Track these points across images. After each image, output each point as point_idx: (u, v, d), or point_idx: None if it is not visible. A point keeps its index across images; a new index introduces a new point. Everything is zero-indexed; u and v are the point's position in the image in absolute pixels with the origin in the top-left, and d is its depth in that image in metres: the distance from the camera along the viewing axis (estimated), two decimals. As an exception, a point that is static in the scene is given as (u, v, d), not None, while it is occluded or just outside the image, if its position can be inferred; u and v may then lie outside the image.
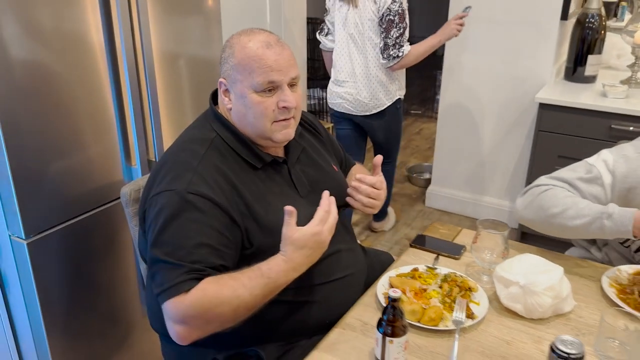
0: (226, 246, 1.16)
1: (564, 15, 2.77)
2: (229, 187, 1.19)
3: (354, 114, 2.69)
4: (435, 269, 1.42)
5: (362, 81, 2.59)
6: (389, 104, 2.65)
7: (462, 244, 1.57)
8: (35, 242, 1.53)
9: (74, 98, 1.56)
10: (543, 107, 2.67)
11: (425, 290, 1.32)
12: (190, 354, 1.31)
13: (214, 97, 1.35)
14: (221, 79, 1.27)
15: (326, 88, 4.50)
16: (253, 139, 1.27)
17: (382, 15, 2.44)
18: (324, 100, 4.77)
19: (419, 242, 1.60)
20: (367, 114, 2.66)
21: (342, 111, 2.71)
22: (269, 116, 1.22)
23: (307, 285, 1.24)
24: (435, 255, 1.53)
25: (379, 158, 1.41)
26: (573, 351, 1.04)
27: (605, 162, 1.48)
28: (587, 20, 2.75)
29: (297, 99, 1.24)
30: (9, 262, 1.57)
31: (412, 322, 1.22)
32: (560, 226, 1.43)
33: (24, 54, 1.41)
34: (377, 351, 1.13)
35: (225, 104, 1.28)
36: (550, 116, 2.66)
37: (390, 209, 3.29)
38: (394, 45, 2.47)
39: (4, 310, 1.65)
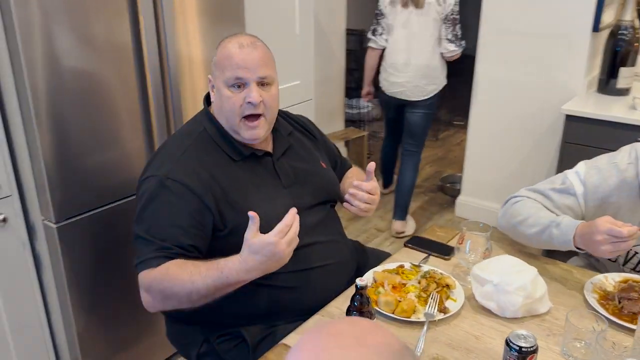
0: (196, 228, 1.30)
1: (596, 27, 2.75)
2: (207, 175, 1.33)
3: (410, 99, 3.10)
4: (420, 266, 1.48)
5: (422, 70, 3.03)
6: (440, 88, 3.11)
7: (455, 246, 1.62)
8: (64, 226, 1.71)
9: (108, 102, 1.73)
10: (569, 118, 2.65)
11: (404, 284, 1.39)
12: (186, 332, 1.45)
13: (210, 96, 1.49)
14: (209, 76, 1.42)
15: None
16: (232, 134, 1.40)
17: (447, 14, 2.93)
18: (364, 110, 4.84)
19: (413, 242, 1.67)
20: (424, 97, 3.08)
21: (401, 98, 3.13)
22: (236, 111, 1.35)
23: (286, 272, 1.34)
24: (426, 255, 1.59)
25: (372, 165, 1.49)
26: (526, 344, 1.08)
27: (577, 173, 1.52)
28: (620, 32, 2.72)
29: (266, 97, 1.35)
30: (42, 244, 1.76)
31: (386, 313, 1.30)
32: (522, 234, 1.50)
33: (73, 61, 1.61)
34: (346, 336, 1.22)
35: (212, 99, 1.43)
36: (576, 128, 2.64)
37: (409, 217, 3.40)
38: (460, 37, 2.99)
39: (38, 287, 1.83)
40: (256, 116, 1.36)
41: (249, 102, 1.33)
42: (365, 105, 5.25)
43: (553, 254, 1.67)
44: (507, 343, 1.10)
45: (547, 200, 1.57)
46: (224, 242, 1.30)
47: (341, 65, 4.07)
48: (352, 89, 4.64)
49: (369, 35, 3.13)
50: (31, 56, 1.52)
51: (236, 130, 1.38)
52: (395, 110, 3.27)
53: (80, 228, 1.75)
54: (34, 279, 1.82)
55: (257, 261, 1.17)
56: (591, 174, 1.51)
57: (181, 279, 1.21)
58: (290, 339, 1.27)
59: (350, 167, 1.74)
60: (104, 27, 1.68)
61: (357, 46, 4.45)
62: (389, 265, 1.51)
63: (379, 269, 1.48)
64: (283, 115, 1.59)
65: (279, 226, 1.18)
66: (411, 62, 3.02)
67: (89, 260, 1.81)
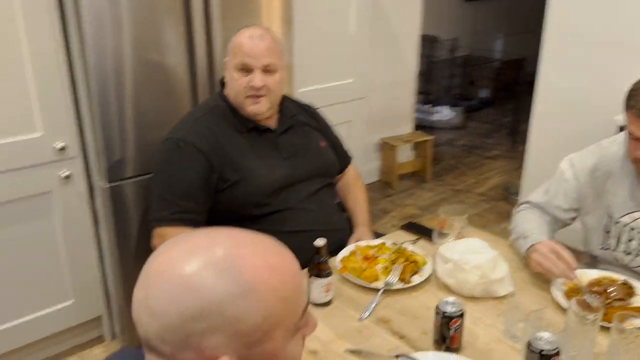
0: (204, 184, 1.56)
1: (664, 36, 2.63)
2: (214, 140, 1.59)
3: None
4: (396, 244, 1.59)
5: None
6: None
7: (434, 229, 1.68)
8: (115, 187, 2.01)
9: (161, 86, 2.02)
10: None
11: (376, 257, 1.51)
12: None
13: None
14: (226, 58, 1.66)
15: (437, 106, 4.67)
16: (239, 110, 1.62)
17: None
18: (443, 118, 4.86)
19: (408, 226, 1.78)
20: None
21: None
22: (241, 91, 1.58)
23: (275, 231, 1.53)
24: (416, 237, 1.69)
25: None
26: (453, 309, 1.18)
27: (570, 159, 1.64)
28: (691, 42, 2.58)
29: (268, 82, 1.57)
30: (99, 202, 2.09)
31: (351, 278, 1.44)
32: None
33: (134, 48, 1.91)
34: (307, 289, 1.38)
35: (225, 78, 1.66)
36: (629, 139, 2.54)
37: None
38: None
39: (94, 239, 2.17)
40: (259, 95, 1.58)
41: (252, 86, 1.56)
42: (446, 112, 5.28)
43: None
44: (435, 308, 1.20)
45: (546, 194, 1.69)
46: (225, 194, 1.57)
47: (413, 70, 4.15)
48: (427, 94, 4.70)
49: None
50: (101, 46, 1.84)
51: (241, 105, 1.61)
52: None
53: (129, 190, 2.06)
54: (91, 232, 2.16)
55: None
56: (577, 155, 1.66)
57: None
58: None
59: (350, 160, 1.92)
60: (162, 19, 1.97)
61: (431, 52, 4.50)
62: (374, 241, 1.63)
63: (362, 243, 1.61)
64: (291, 100, 1.79)
65: None
66: None
67: (136, 220, 2.11)
